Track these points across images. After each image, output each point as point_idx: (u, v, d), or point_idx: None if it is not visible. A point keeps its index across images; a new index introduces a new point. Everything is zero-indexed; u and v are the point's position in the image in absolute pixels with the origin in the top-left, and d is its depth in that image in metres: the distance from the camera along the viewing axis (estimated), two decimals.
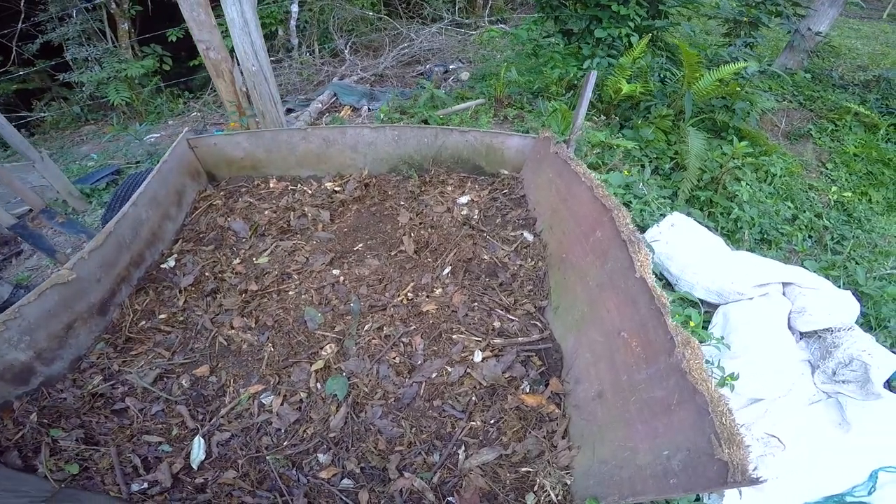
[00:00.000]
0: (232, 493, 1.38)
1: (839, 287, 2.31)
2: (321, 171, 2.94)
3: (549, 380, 1.67)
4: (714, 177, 3.33)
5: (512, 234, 2.45)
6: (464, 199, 2.70)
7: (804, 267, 2.41)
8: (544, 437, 1.47)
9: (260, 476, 1.43)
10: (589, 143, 3.19)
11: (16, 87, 5.89)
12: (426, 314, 1.97)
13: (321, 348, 1.84)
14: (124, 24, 5.77)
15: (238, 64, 3.30)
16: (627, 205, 2.83)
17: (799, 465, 1.59)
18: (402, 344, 1.84)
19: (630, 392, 1.30)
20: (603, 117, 3.81)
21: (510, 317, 1.97)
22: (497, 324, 1.93)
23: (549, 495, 1.29)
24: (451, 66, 5.41)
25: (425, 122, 3.81)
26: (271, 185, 2.91)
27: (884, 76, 5.04)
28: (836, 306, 1.96)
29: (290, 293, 2.12)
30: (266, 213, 2.63)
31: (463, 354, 1.78)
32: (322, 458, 1.47)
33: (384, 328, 1.91)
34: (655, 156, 3.50)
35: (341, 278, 2.20)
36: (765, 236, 3.14)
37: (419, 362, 1.77)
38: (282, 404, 1.61)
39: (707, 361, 1.75)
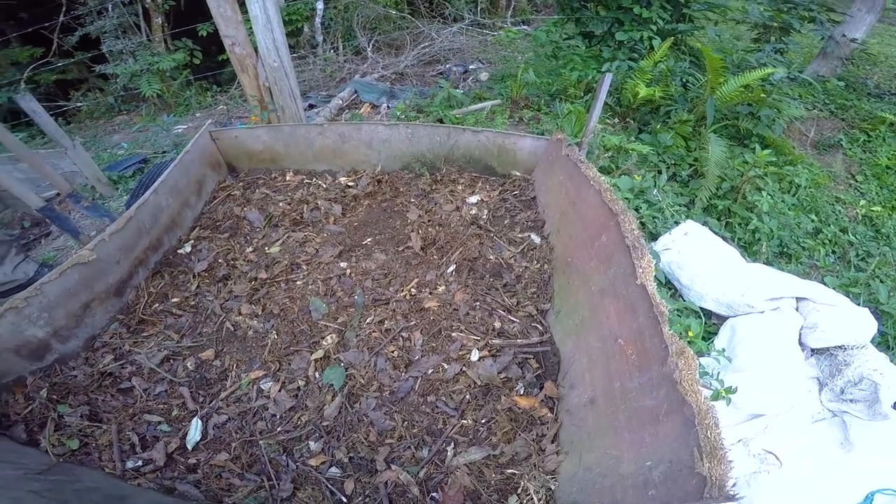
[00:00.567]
0: (221, 474, 1.42)
1: (858, 304, 2.22)
2: (336, 166, 2.99)
3: (545, 383, 1.67)
4: (734, 185, 3.24)
5: (520, 235, 2.45)
6: (473, 199, 2.71)
7: (824, 283, 2.33)
8: (533, 441, 1.47)
9: (251, 459, 1.47)
10: (602, 147, 3.15)
11: (55, 78, 6.18)
12: (427, 310, 1.99)
13: (323, 338, 1.88)
14: (158, 18, 5.98)
15: (261, 59, 3.38)
16: (637, 210, 2.79)
17: (796, 483, 1.55)
18: (401, 338, 1.87)
19: (621, 400, 1.29)
20: (618, 121, 3.75)
21: (511, 318, 1.97)
22: (497, 324, 1.94)
23: (532, 499, 1.29)
24: (470, 67, 5.42)
25: (440, 121, 3.83)
26: (288, 177, 2.98)
27: None
28: (851, 323, 1.89)
29: (298, 283, 2.17)
30: (281, 204, 2.70)
31: (460, 352, 1.79)
32: (313, 445, 1.50)
33: (385, 322, 1.94)
34: (673, 162, 3.43)
35: (348, 271, 2.24)
36: (784, 250, 3.04)
37: (416, 357, 1.79)
38: (279, 391, 1.66)
39: (705, 373, 1.72)
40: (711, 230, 2.74)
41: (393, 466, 1.43)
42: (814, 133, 4.44)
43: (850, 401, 1.69)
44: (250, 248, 2.39)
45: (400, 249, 2.36)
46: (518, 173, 2.81)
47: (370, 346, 1.83)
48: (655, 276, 2.47)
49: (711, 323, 2.21)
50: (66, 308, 1.73)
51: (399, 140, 2.85)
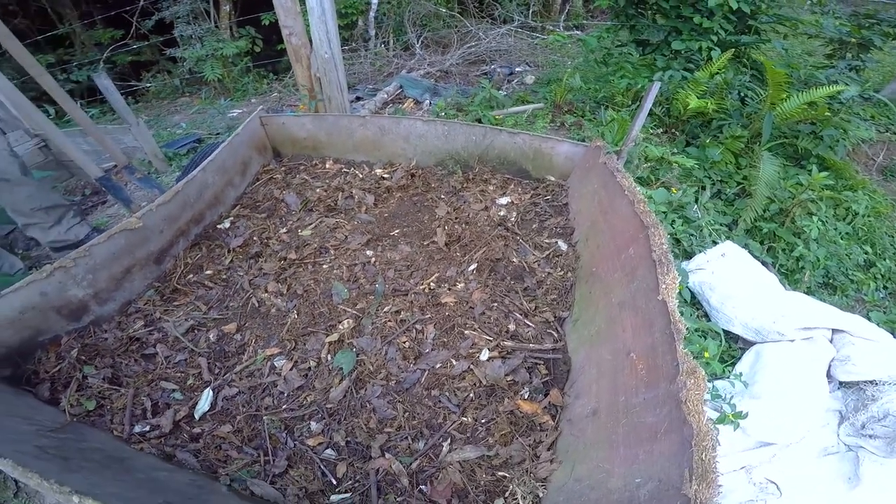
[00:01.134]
0: (221, 446, 1.47)
1: None
2: (374, 158, 3.07)
3: (551, 390, 1.65)
4: (783, 208, 3.04)
5: (546, 241, 2.42)
6: (503, 200, 2.70)
7: (868, 318, 2.16)
8: (530, 446, 1.46)
9: (252, 433, 1.52)
10: (644, 157, 3.05)
11: (131, 59, 6.66)
12: (444, 305, 2.00)
13: (340, 322, 1.94)
14: (227, 5, 6.32)
15: (314, 50, 3.51)
16: (671, 224, 2.67)
17: None
18: (414, 330, 1.90)
19: (623, 414, 1.26)
20: (663, 131, 3.60)
21: (527, 322, 1.96)
22: (512, 326, 1.93)
23: None
24: (516, 69, 5.37)
25: (479, 120, 3.83)
26: (327, 165, 3.08)
27: None
28: (890, 359, 1.75)
29: (324, 266, 2.25)
30: (318, 190, 2.80)
31: (471, 350, 1.80)
32: (314, 426, 1.55)
33: (402, 312, 1.97)
34: (720, 178, 3.26)
35: (373, 259, 2.29)
36: (830, 281, 2.81)
37: (427, 350, 1.81)
38: (291, 369, 1.72)
39: (718, 396, 1.63)
40: (751, 253, 2.59)
41: (387, 455, 1.45)
42: (882, 157, 4.09)
43: (870, 436, 1.58)
44: (284, 230, 2.49)
45: (425, 244, 2.39)
46: (552, 178, 2.77)
47: (384, 335, 1.87)
48: (681, 293, 2.38)
49: (738, 348, 2.09)
50: (109, 271, 1.87)
51: (435, 136, 2.88)
